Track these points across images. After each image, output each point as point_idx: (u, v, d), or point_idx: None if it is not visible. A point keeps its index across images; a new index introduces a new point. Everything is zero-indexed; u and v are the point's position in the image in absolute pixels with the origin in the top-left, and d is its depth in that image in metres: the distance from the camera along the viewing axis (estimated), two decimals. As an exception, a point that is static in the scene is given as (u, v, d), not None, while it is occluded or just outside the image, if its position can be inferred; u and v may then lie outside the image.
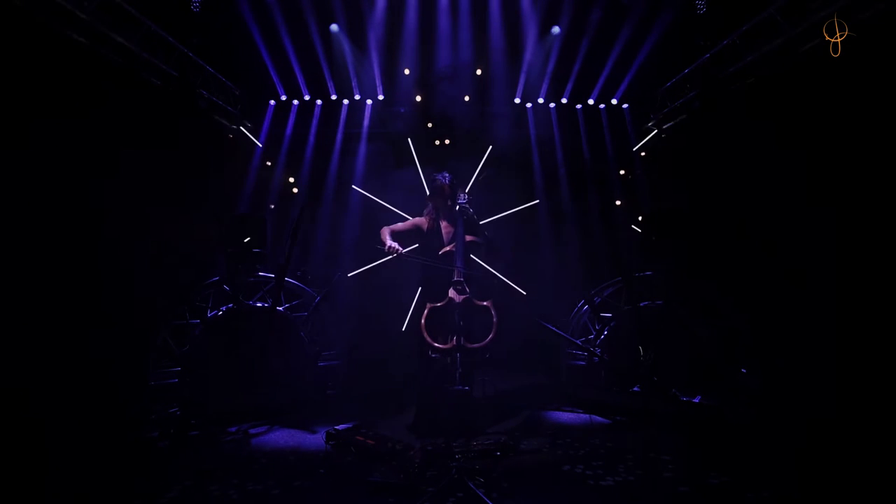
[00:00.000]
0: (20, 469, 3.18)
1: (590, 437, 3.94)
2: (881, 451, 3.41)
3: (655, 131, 7.40)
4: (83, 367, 4.03)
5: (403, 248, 4.13)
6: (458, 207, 4.08)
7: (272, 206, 7.43)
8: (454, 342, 3.69)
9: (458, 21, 6.85)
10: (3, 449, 3.35)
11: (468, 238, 4.15)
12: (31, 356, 3.79)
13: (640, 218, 7.30)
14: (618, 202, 7.66)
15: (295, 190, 7.49)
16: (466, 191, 4.42)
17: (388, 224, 4.38)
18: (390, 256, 4.06)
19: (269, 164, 7.46)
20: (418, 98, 7.41)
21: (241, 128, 7.29)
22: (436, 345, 3.82)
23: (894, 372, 3.89)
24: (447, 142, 7.50)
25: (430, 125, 7.50)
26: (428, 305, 3.94)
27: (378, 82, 7.33)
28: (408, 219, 4.88)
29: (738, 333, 4.72)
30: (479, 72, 7.28)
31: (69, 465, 3.30)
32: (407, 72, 7.24)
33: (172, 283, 4.86)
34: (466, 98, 7.37)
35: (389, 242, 4.07)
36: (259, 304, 4.89)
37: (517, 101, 7.60)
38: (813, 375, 4.36)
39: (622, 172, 7.71)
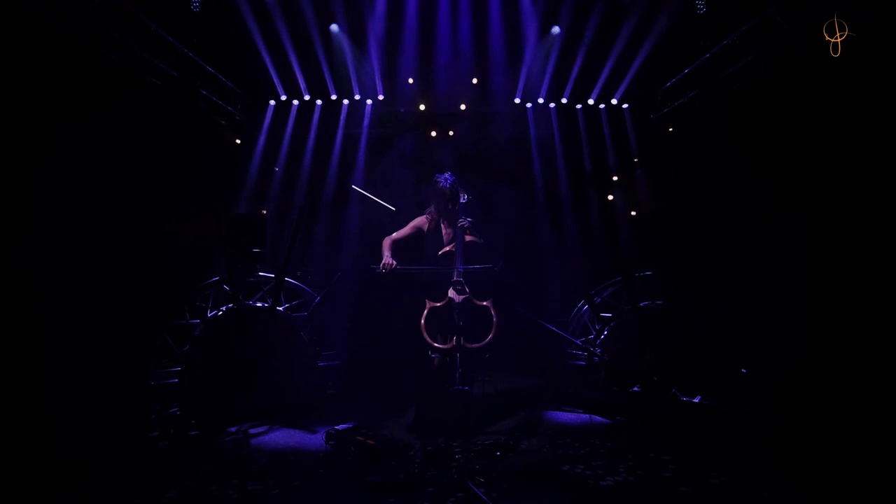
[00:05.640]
0: (21, 468, 3.18)
1: (590, 437, 3.94)
2: (880, 450, 3.41)
3: (655, 131, 7.40)
4: (83, 367, 4.04)
5: (406, 250, 4.15)
6: (458, 225, 4.09)
7: (271, 207, 7.43)
8: (454, 342, 3.69)
9: (458, 21, 6.85)
10: (3, 448, 3.35)
11: (468, 238, 4.15)
12: (31, 356, 3.80)
13: (639, 218, 7.31)
14: (616, 201, 7.66)
15: (276, 168, 7.43)
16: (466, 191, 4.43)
17: (387, 222, 4.39)
18: (384, 270, 4.09)
19: (254, 153, 7.42)
20: (411, 81, 7.35)
21: (241, 128, 7.28)
22: (435, 345, 3.82)
23: (890, 370, 3.90)
24: (451, 133, 7.47)
25: (422, 107, 7.46)
26: (428, 305, 3.94)
27: (378, 82, 7.33)
28: (409, 219, 4.88)
29: (737, 333, 4.72)
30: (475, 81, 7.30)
31: (69, 465, 3.29)
32: (411, 81, 7.24)
33: (172, 283, 4.86)
34: (474, 80, 7.34)
35: (384, 260, 4.11)
36: (259, 304, 4.89)
37: (517, 101, 7.60)
38: (811, 374, 4.36)
39: (622, 173, 7.71)
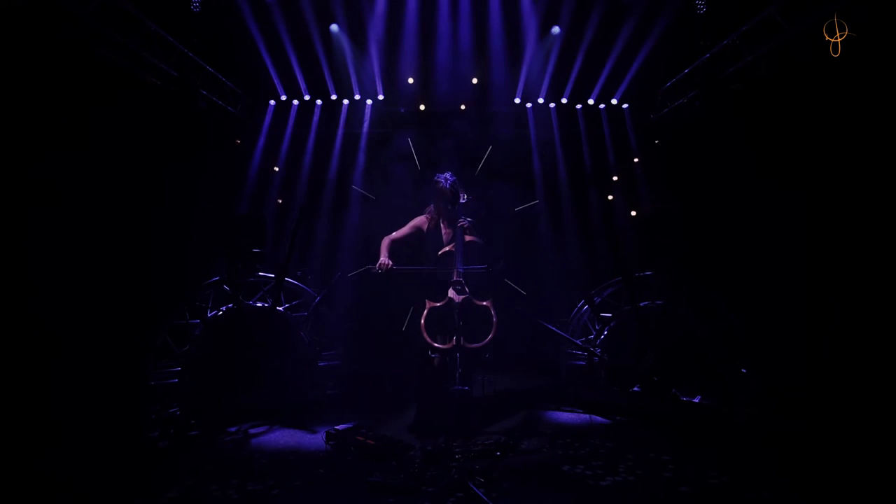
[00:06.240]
0: (21, 468, 3.18)
1: (590, 437, 3.94)
2: (879, 449, 3.42)
3: (655, 131, 7.40)
4: (82, 367, 4.04)
5: (406, 249, 4.15)
6: (458, 225, 4.10)
7: (271, 207, 7.43)
8: (454, 342, 3.69)
9: (458, 21, 6.86)
10: (4, 448, 3.35)
11: (468, 238, 4.15)
12: (31, 356, 3.80)
13: (639, 218, 7.31)
14: (616, 201, 7.66)
15: (276, 168, 7.46)
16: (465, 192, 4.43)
17: (387, 222, 4.39)
18: (380, 270, 4.08)
19: (254, 153, 7.42)
20: (410, 80, 7.33)
21: (241, 128, 7.28)
22: (435, 345, 3.82)
23: (890, 371, 3.90)
24: (451, 133, 7.43)
25: (422, 107, 7.46)
26: (428, 305, 3.94)
27: (378, 82, 7.33)
28: (409, 219, 4.87)
29: (737, 333, 4.72)
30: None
31: (70, 465, 3.30)
32: (411, 81, 7.24)
33: (172, 283, 4.86)
34: (474, 80, 7.34)
35: (381, 260, 4.11)
36: (259, 304, 4.89)
37: (517, 101, 7.60)
38: (811, 374, 4.36)
39: (622, 173, 7.71)
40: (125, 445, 3.73)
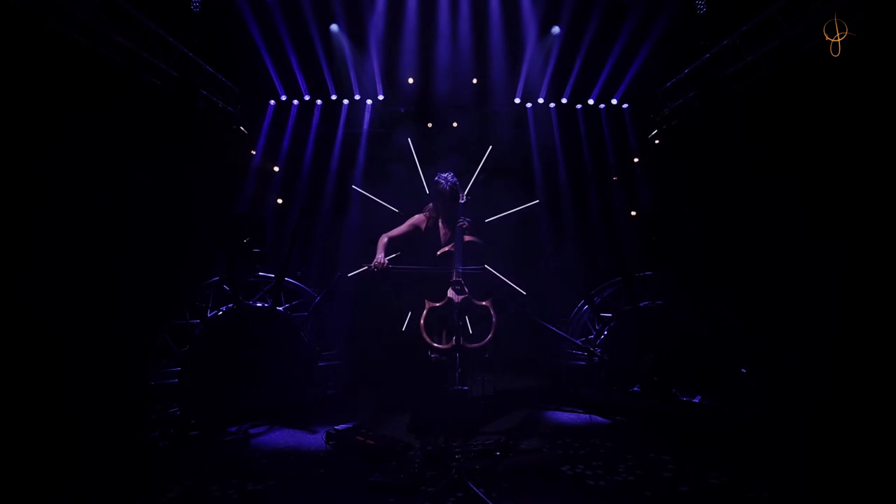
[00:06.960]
0: (21, 468, 3.18)
1: (590, 437, 3.94)
2: (881, 450, 3.41)
3: (655, 131, 7.40)
4: (83, 368, 4.04)
5: (405, 248, 4.15)
6: (457, 225, 4.09)
7: (271, 207, 7.43)
8: (454, 342, 3.69)
9: (457, 21, 6.86)
10: (4, 449, 3.35)
11: (467, 238, 4.15)
12: (31, 356, 3.80)
13: (639, 218, 7.31)
14: (616, 201, 7.66)
15: (276, 168, 7.46)
16: (466, 192, 4.43)
17: (387, 222, 4.39)
18: (376, 269, 4.07)
19: (254, 153, 7.42)
20: (411, 80, 7.33)
21: (241, 128, 7.29)
22: (435, 345, 3.82)
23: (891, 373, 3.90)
24: (451, 133, 7.44)
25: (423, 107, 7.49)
26: (427, 305, 3.94)
27: (378, 82, 7.33)
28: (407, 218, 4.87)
29: (737, 333, 4.72)
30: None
31: (69, 465, 3.30)
32: (411, 80, 7.25)
33: (172, 283, 4.86)
34: (474, 80, 7.34)
35: (377, 259, 4.09)
36: (259, 304, 4.89)
37: (517, 101, 7.60)
38: (811, 375, 4.36)
39: (622, 173, 7.71)
40: (125, 445, 3.73)
